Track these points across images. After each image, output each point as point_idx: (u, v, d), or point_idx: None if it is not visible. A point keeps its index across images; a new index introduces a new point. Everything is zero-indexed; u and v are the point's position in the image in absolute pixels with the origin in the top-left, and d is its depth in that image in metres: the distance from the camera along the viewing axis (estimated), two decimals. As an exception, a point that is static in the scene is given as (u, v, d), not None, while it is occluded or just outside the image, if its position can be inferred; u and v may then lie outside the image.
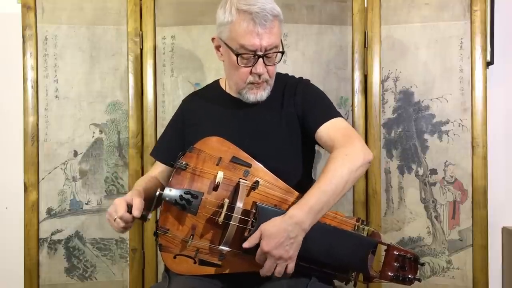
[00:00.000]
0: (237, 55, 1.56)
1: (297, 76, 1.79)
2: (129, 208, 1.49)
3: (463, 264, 2.30)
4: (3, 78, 2.57)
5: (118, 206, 1.50)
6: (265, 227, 1.44)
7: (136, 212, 1.48)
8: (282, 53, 1.61)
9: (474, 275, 2.28)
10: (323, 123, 1.61)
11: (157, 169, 1.77)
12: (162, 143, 1.84)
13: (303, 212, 1.44)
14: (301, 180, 1.67)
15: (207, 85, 1.89)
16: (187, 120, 1.76)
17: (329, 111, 1.66)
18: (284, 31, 1.62)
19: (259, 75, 1.60)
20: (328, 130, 1.60)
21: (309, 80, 1.76)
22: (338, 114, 1.66)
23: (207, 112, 1.74)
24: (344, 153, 1.51)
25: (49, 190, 2.31)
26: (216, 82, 1.82)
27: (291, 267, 1.46)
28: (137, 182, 1.75)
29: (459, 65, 2.30)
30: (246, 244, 1.44)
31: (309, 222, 1.45)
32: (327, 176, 1.48)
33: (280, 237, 1.42)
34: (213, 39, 1.67)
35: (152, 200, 1.51)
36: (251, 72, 1.60)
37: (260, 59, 1.57)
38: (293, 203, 1.53)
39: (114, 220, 1.49)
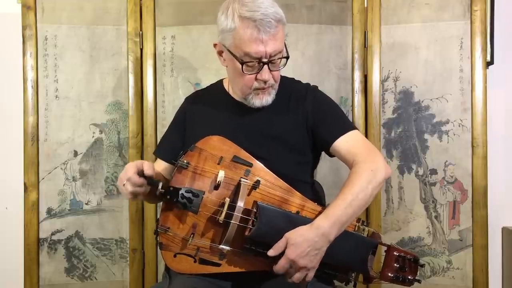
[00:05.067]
0: (242, 63, 1.54)
1: (296, 77, 1.79)
2: (140, 173, 1.45)
3: (463, 264, 2.30)
4: (3, 78, 2.57)
5: (128, 169, 1.47)
6: (291, 235, 1.44)
7: (149, 171, 1.45)
8: (287, 58, 1.60)
9: (474, 275, 2.28)
10: (340, 136, 1.62)
11: (159, 168, 1.76)
12: (164, 142, 1.84)
13: (330, 223, 1.45)
14: (303, 183, 1.67)
15: (210, 85, 1.86)
16: (189, 120, 1.75)
17: (344, 123, 1.68)
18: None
19: (265, 81, 1.59)
20: (347, 144, 1.62)
21: (317, 87, 1.75)
22: (353, 126, 1.68)
23: (209, 113, 1.73)
24: (369, 169, 1.53)
25: (49, 190, 2.31)
26: (220, 83, 1.80)
27: (310, 276, 1.47)
28: None
29: (459, 65, 2.30)
30: (271, 252, 1.44)
31: (335, 233, 1.46)
32: (354, 190, 1.50)
33: (306, 247, 1.43)
34: (215, 45, 1.65)
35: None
36: (256, 79, 1.58)
37: (265, 66, 1.55)
38: (294, 202, 1.54)
39: (124, 185, 1.46)
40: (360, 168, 1.54)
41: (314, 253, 1.44)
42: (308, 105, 1.67)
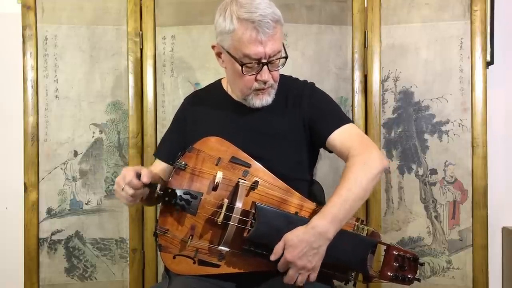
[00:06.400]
0: (242, 64, 1.54)
1: (294, 76, 1.78)
2: (138, 177, 1.47)
3: (463, 264, 2.30)
4: (3, 78, 2.57)
5: (126, 173, 1.48)
6: (288, 237, 1.44)
7: (145, 178, 1.46)
8: (286, 57, 1.60)
9: (474, 275, 2.28)
10: (334, 130, 1.61)
11: (157, 167, 1.76)
12: (165, 143, 1.84)
13: (326, 221, 1.44)
14: (302, 181, 1.68)
15: (209, 85, 1.86)
16: (189, 121, 1.75)
17: (340, 117, 1.66)
18: (283, 31, 1.62)
19: (265, 82, 1.58)
20: (341, 137, 1.61)
21: (314, 84, 1.75)
22: (349, 120, 1.66)
23: (208, 113, 1.73)
24: (363, 162, 1.51)
25: (49, 190, 2.31)
26: (218, 82, 1.80)
27: (313, 276, 1.47)
28: None
29: (459, 65, 2.29)
30: (272, 257, 1.44)
31: (333, 231, 1.45)
32: (348, 185, 1.49)
33: (303, 247, 1.42)
34: (213, 46, 1.64)
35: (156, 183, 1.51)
36: (256, 79, 1.58)
37: (265, 67, 1.55)
38: (293, 203, 1.54)
39: (122, 189, 1.48)
40: (353, 161, 1.52)
41: (312, 253, 1.43)
42: (304, 102, 1.67)
